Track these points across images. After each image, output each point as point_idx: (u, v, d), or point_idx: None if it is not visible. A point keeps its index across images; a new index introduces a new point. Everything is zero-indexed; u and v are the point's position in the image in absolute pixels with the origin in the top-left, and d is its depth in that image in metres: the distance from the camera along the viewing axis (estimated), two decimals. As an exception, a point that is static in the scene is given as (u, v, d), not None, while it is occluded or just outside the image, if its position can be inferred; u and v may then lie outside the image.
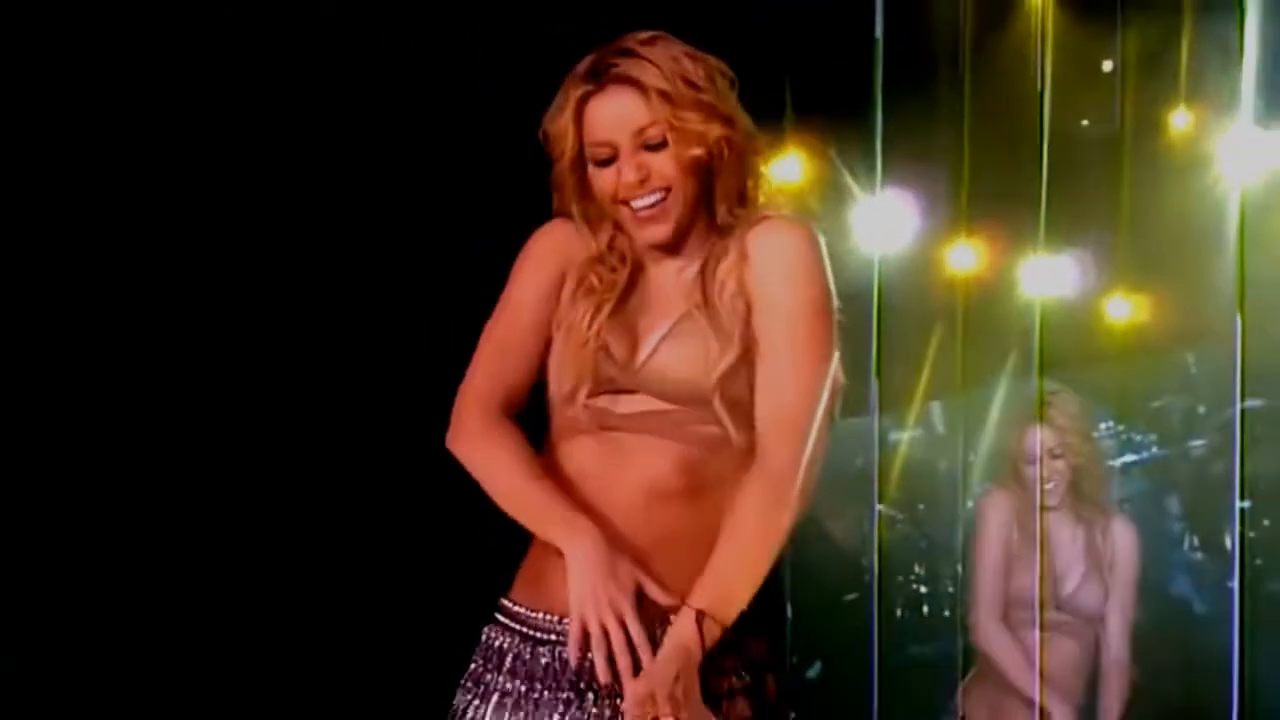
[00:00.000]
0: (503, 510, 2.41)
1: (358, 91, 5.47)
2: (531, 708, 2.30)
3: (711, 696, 2.22)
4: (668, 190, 2.26)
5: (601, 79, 2.25)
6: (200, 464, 5.33)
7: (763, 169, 2.39)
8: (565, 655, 2.24)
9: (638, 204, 2.27)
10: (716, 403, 2.24)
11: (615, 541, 2.24)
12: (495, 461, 2.35)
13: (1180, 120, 6.36)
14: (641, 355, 2.31)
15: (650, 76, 2.23)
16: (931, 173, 6.02)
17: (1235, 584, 5.58)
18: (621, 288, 2.35)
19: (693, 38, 2.37)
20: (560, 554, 2.24)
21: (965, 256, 6.20)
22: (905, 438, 6.47)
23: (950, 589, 5.72)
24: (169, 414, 5.33)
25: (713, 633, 2.14)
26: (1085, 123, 6.43)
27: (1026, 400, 5.00)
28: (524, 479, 2.31)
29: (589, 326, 2.33)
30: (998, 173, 5.80)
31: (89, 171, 5.09)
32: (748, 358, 2.26)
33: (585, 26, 2.55)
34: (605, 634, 2.14)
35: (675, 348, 2.30)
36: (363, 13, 5.34)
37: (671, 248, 2.34)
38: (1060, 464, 4.53)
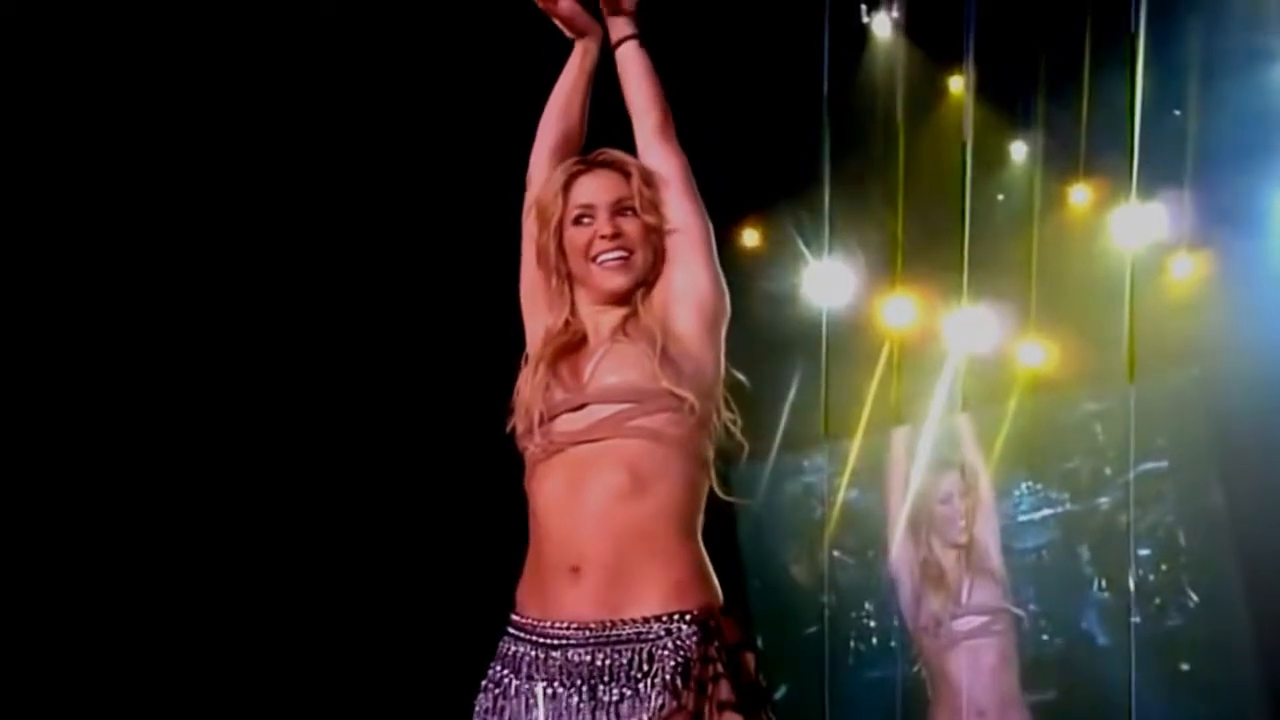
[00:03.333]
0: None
1: (357, 92, 5.58)
2: (552, 701, 2.48)
3: (697, 683, 2.42)
4: (632, 251, 2.62)
5: (590, 163, 2.68)
6: (202, 464, 5.43)
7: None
8: (575, 657, 2.47)
9: (605, 258, 2.62)
10: (664, 382, 2.50)
11: (592, 544, 2.48)
12: None
13: (1079, 195, 6.75)
14: (585, 375, 2.58)
15: (630, 164, 2.66)
16: (869, 240, 6.42)
17: (1132, 619, 5.87)
18: (565, 346, 2.65)
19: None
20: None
21: (899, 310, 6.43)
22: (855, 494, 6.72)
23: (895, 622, 5.92)
24: (173, 415, 5.44)
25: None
26: (1000, 197, 6.80)
27: (946, 440, 5.56)
28: None
29: (535, 372, 2.61)
30: (925, 240, 6.20)
31: (89, 172, 5.13)
32: (673, 339, 2.57)
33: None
34: None
35: (613, 357, 2.58)
36: (362, 13, 5.41)
37: (604, 314, 2.66)
38: (968, 502, 5.13)
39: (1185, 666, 6.45)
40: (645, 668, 2.42)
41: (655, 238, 2.63)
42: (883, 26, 6.47)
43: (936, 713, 5.15)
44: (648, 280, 2.65)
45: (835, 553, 6.88)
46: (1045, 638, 6.66)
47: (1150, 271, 6.24)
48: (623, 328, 2.61)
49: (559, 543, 2.53)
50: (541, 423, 2.56)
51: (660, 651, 2.43)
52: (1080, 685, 6.25)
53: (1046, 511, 6.98)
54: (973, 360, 6.26)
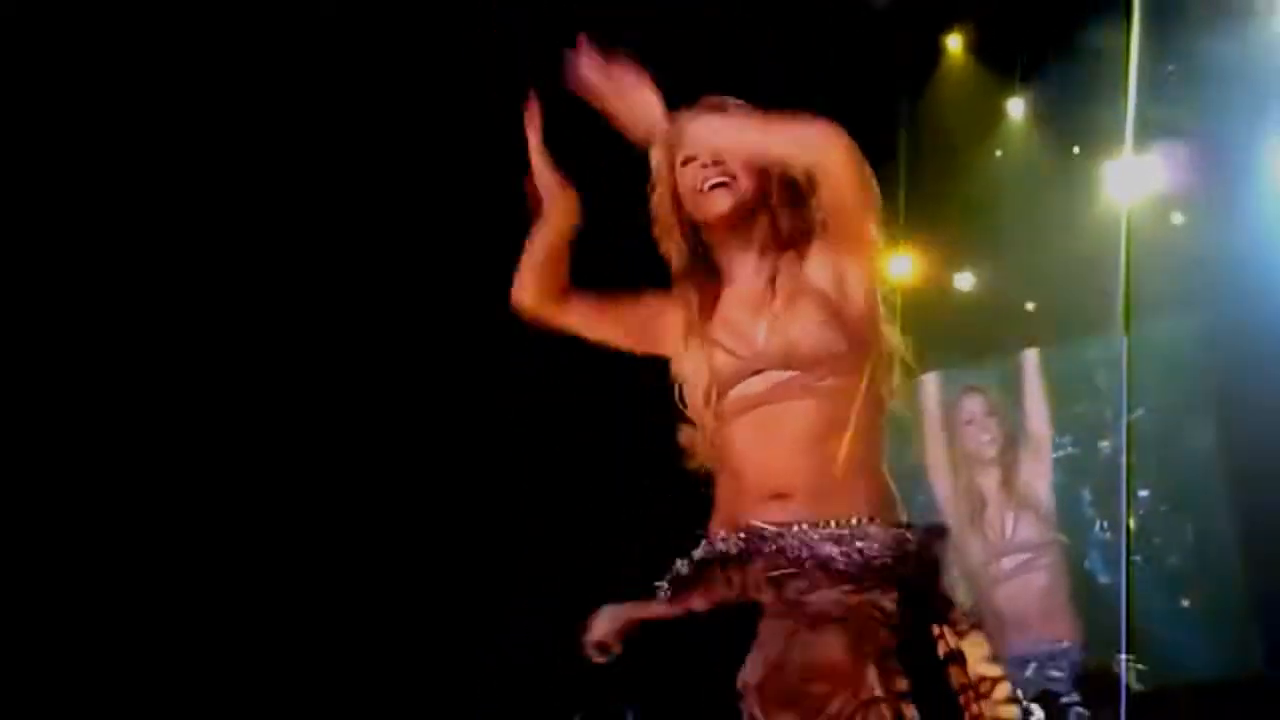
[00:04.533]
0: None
1: (357, 92, 5.57)
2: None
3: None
4: (732, 178, 2.69)
5: (699, 109, 2.72)
6: (200, 464, 5.41)
7: (817, 214, 2.71)
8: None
9: (708, 184, 2.70)
10: (833, 345, 2.61)
11: (794, 476, 2.60)
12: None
13: (1076, 149, 6.85)
14: (757, 340, 2.68)
15: (729, 105, 2.73)
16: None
17: (1122, 560, 5.91)
18: (704, 301, 2.76)
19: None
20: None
21: (902, 265, 6.53)
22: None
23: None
24: (176, 415, 5.42)
25: None
26: (998, 153, 6.97)
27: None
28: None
29: (689, 347, 2.72)
30: (930, 198, 6.29)
31: (89, 171, 5.11)
32: (837, 297, 2.64)
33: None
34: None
35: (781, 320, 2.66)
36: (362, 14, 5.40)
37: (745, 248, 2.74)
38: (994, 421, 5.21)
39: (1185, 603, 6.66)
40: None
41: (756, 169, 2.71)
42: None
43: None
44: (790, 228, 2.73)
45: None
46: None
47: (1146, 222, 6.37)
48: (774, 281, 2.71)
49: (758, 475, 2.65)
50: (719, 397, 2.68)
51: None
52: (1084, 624, 6.14)
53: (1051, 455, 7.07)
54: (979, 310, 6.47)
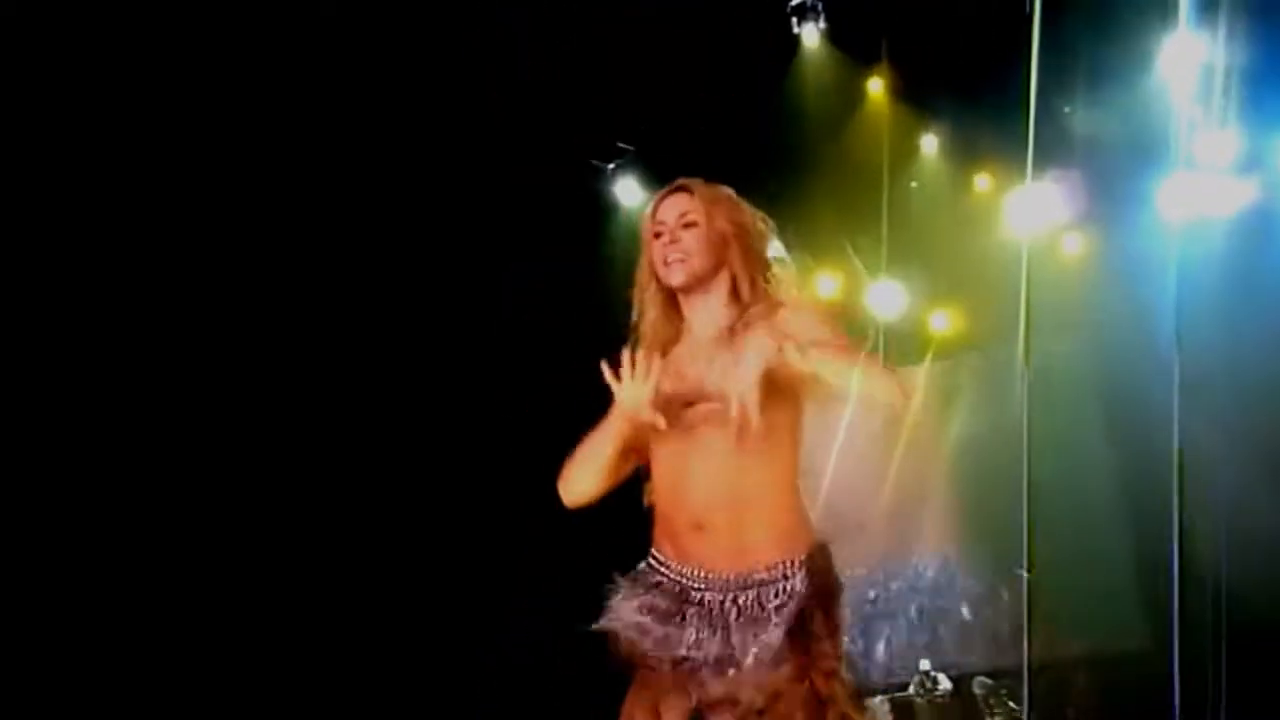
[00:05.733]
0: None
1: (357, 92, 5.59)
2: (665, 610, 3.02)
3: None
4: (687, 256, 3.14)
5: (669, 190, 3.24)
6: (200, 464, 5.34)
7: (772, 269, 3.16)
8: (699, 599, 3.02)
9: (669, 257, 3.15)
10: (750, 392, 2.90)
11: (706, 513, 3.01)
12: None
13: (982, 181, 7.40)
14: (696, 378, 3.08)
15: (696, 187, 3.20)
16: (801, 227, 6.82)
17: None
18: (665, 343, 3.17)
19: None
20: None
21: (825, 285, 6.97)
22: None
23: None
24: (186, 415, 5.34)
25: None
26: (914, 184, 7.39)
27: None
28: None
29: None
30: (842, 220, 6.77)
31: (88, 171, 5.06)
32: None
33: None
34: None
35: (729, 370, 2.97)
36: (362, 14, 5.43)
37: (702, 310, 3.16)
38: None
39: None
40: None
41: (715, 244, 3.15)
42: (811, 36, 7.03)
43: None
44: (745, 307, 3.13)
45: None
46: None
47: (1043, 248, 6.88)
48: (731, 331, 3.07)
49: (681, 506, 3.08)
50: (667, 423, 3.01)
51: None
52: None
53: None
54: (888, 327, 6.82)
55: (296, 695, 5.39)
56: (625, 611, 3.08)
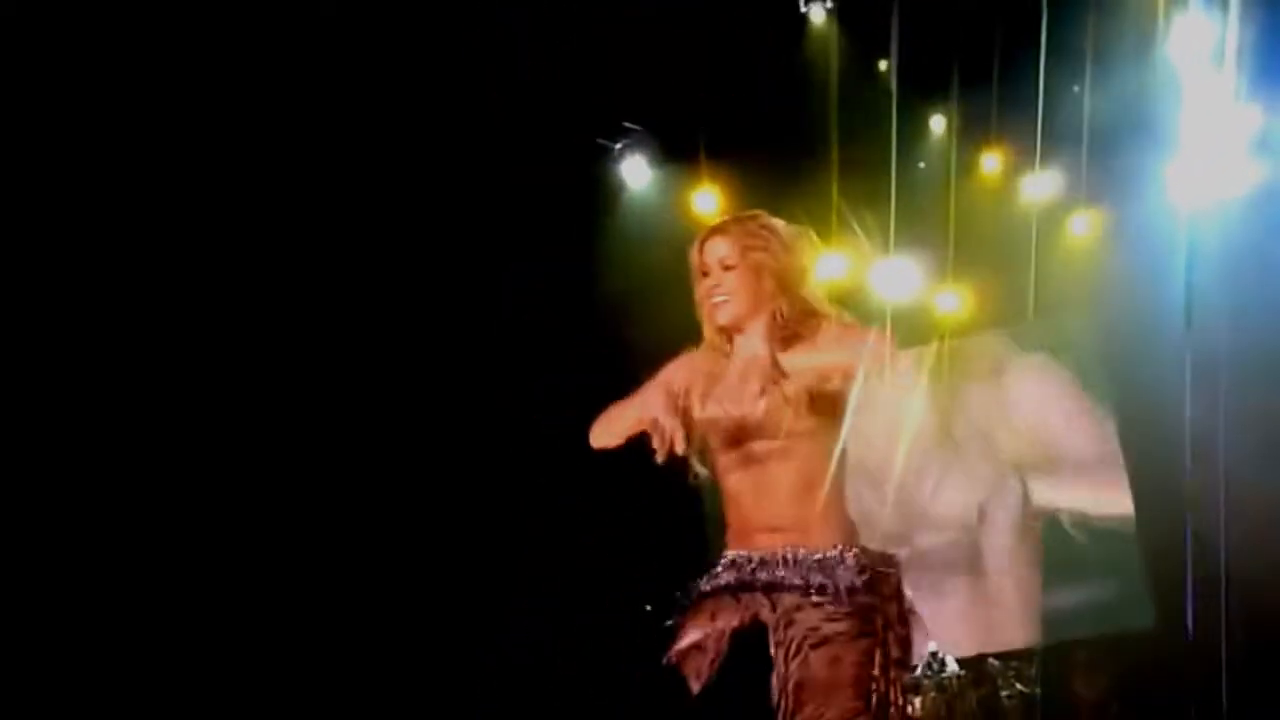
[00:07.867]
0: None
1: (356, 92, 5.62)
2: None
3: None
4: (729, 296, 3.34)
5: (710, 231, 3.43)
6: (199, 464, 5.40)
7: (807, 292, 3.34)
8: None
9: (714, 299, 3.36)
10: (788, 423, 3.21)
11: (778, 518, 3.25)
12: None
13: (990, 162, 7.43)
14: (746, 408, 3.28)
15: (732, 228, 3.38)
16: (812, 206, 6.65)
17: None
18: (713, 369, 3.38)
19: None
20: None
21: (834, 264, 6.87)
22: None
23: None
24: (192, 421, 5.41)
25: None
26: (922, 165, 7.43)
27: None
28: None
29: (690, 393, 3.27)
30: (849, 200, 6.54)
31: (89, 171, 5.10)
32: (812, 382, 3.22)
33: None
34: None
35: (774, 400, 3.22)
36: (362, 15, 5.45)
37: (746, 343, 3.32)
38: None
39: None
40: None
41: (753, 279, 3.33)
42: (818, 16, 7.08)
43: None
44: (788, 328, 3.33)
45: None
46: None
47: (1051, 228, 6.93)
48: (774, 363, 3.24)
49: (756, 513, 3.29)
50: (726, 448, 3.31)
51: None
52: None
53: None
54: (897, 307, 6.70)
55: (297, 695, 5.42)
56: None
